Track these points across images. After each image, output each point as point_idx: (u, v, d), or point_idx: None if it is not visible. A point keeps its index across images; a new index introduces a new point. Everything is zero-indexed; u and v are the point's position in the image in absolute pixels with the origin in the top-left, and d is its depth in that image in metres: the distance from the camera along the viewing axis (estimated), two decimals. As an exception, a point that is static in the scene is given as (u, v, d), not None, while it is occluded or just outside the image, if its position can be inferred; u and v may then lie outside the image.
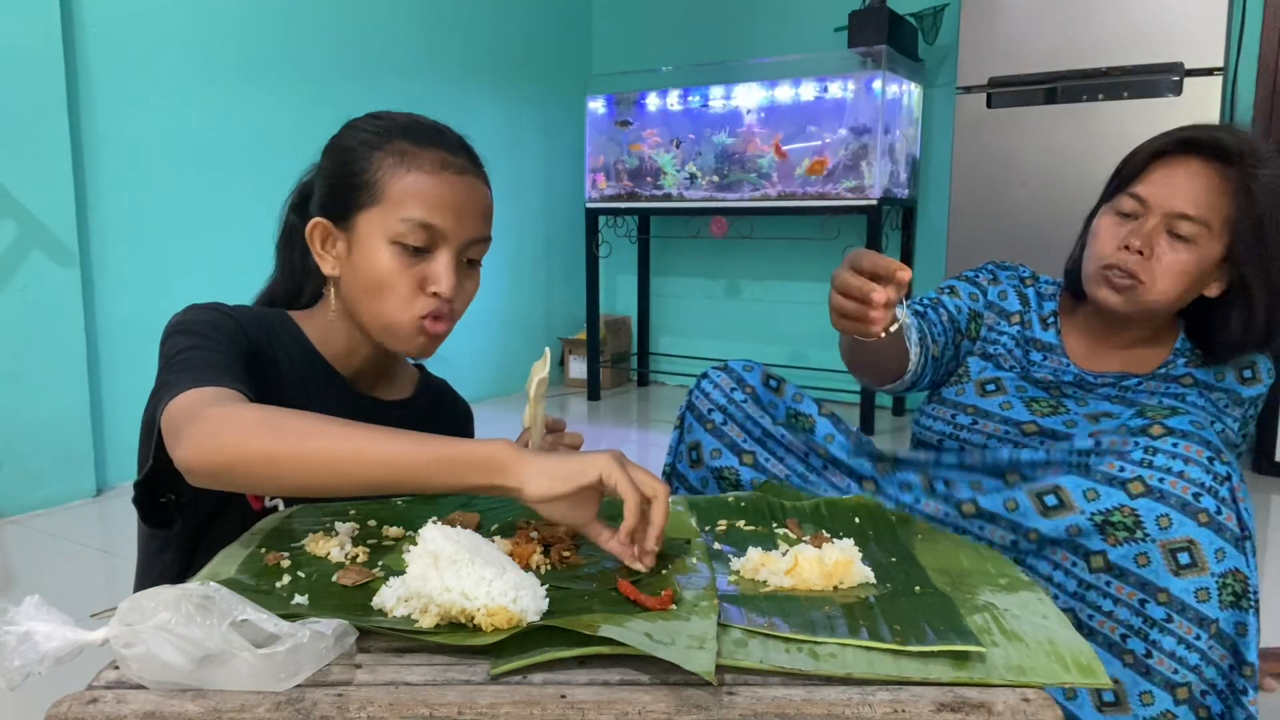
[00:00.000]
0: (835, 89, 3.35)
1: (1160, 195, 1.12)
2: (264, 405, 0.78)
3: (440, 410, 1.16)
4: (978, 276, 1.34)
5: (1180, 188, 1.11)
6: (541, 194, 4.10)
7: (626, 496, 0.71)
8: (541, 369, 0.89)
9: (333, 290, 1.00)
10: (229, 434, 0.73)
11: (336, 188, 0.97)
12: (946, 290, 1.34)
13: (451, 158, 0.96)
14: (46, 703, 0.55)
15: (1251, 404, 1.20)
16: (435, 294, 0.95)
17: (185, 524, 0.92)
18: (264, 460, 0.72)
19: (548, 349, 0.95)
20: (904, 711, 0.55)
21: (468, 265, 0.99)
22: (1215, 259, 1.12)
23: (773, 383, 1.18)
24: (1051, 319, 1.29)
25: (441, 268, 0.94)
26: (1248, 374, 1.19)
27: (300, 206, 1.05)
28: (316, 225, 0.97)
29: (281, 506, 0.96)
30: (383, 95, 3.26)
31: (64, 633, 0.57)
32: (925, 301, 1.33)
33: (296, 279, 1.08)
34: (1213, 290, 1.15)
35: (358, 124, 1.00)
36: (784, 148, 3.43)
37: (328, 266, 0.98)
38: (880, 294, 0.92)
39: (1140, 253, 1.11)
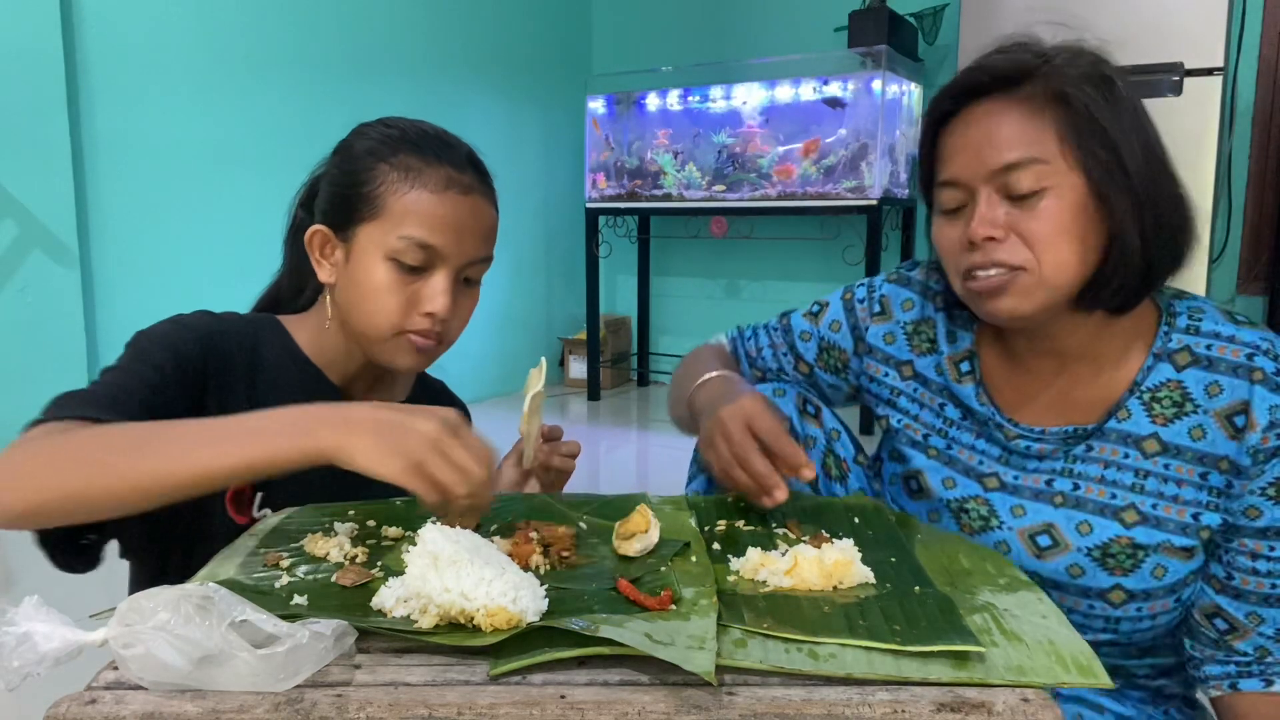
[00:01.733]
0: (835, 89, 3.35)
1: (969, 164, 0.86)
2: (76, 428, 0.75)
3: None
4: (859, 304, 1.07)
5: (985, 141, 0.85)
6: (541, 194, 4.10)
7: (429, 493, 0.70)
8: (537, 380, 0.88)
9: (329, 297, 0.99)
10: (25, 477, 0.71)
11: (339, 196, 0.96)
12: (811, 313, 1.11)
13: (457, 175, 0.94)
14: (45, 703, 0.55)
15: (1261, 461, 0.83)
16: (429, 314, 0.93)
17: (92, 558, 0.88)
18: (70, 498, 0.71)
19: (544, 359, 0.94)
20: (904, 711, 0.55)
21: (465, 284, 0.97)
22: (1085, 195, 0.83)
23: (810, 408, 1.03)
24: (967, 361, 0.98)
25: (436, 288, 0.93)
26: (1239, 420, 0.84)
27: (309, 202, 1.04)
28: (316, 232, 0.97)
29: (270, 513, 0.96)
30: (383, 95, 3.26)
31: (63, 633, 0.57)
32: (773, 328, 1.13)
33: (302, 276, 1.07)
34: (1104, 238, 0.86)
35: (367, 130, 0.98)
36: (782, 148, 3.43)
37: (325, 274, 0.97)
38: (783, 494, 0.82)
39: (993, 238, 0.84)
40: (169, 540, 0.93)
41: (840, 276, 3.65)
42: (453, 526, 0.71)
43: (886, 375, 1.04)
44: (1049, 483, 0.92)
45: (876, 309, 1.05)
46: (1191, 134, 2.61)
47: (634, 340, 4.30)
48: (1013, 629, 0.65)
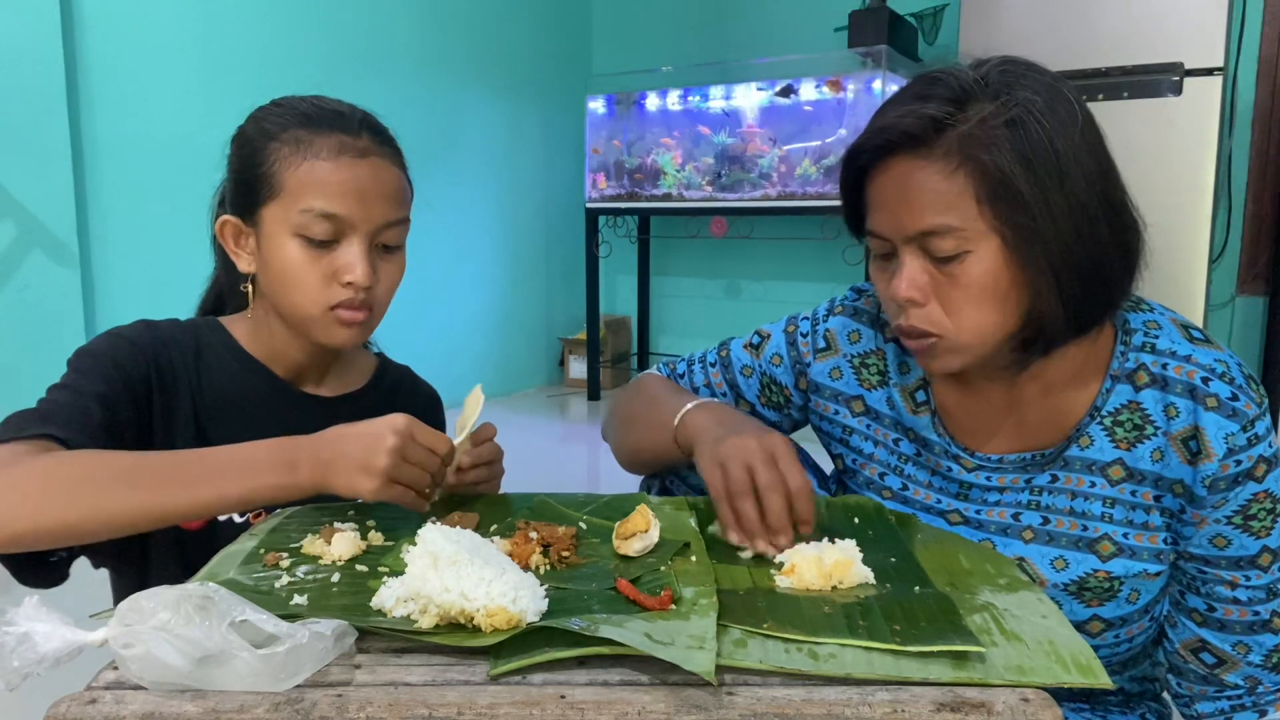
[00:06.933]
0: (835, 89, 3.35)
1: (889, 223, 0.83)
2: (69, 455, 0.78)
3: (398, 400, 1.10)
4: (801, 338, 1.02)
5: (901, 204, 0.81)
6: (541, 194, 4.10)
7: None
8: (474, 409, 0.88)
9: (252, 288, 0.98)
10: (19, 505, 0.73)
11: (239, 182, 0.95)
12: (752, 344, 1.06)
13: (350, 140, 0.92)
14: (46, 703, 0.55)
15: (1223, 490, 0.81)
16: (349, 284, 0.91)
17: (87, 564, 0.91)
18: (68, 528, 0.74)
19: (478, 387, 0.92)
20: (903, 711, 0.55)
21: (384, 251, 0.95)
22: (1004, 257, 0.79)
23: None
24: (922, 390, 0.95)
25: (351, 257, 0.91)
26: (1193, 445, 0.82)
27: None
28: (226, 223, 0.96)
29: (237, 517, 0.95)
30: (383, 95, 3.24)
31: (63, 633, 0.57)
32: (711, 362, 1.08)
33: (236, 272, 1.03)
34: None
35: (259, 112, 0.97)
36: (784, 148, 3.43)
37: (243, 264, 0.96)
38: (785, 542, 0.79)
39: (912, 300, 0.82)
40: (130, 551, 0.94)
41: (840, 276, 3.65)
42: (422, 510, 0.82)
43: (837, 413, 1.00)
44: (1016, 516, 0.89)
45: (821, 344, 1.01)
46: (1191, 134, 2.61)
47: (634, 340, 4.30)
48: (1013, 629, 0.65)
